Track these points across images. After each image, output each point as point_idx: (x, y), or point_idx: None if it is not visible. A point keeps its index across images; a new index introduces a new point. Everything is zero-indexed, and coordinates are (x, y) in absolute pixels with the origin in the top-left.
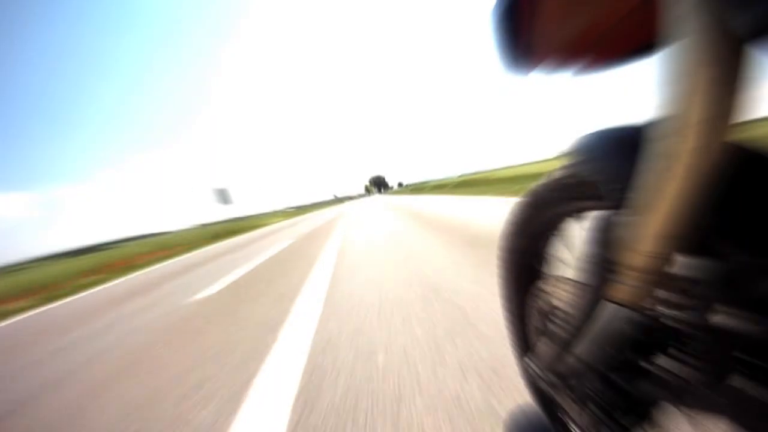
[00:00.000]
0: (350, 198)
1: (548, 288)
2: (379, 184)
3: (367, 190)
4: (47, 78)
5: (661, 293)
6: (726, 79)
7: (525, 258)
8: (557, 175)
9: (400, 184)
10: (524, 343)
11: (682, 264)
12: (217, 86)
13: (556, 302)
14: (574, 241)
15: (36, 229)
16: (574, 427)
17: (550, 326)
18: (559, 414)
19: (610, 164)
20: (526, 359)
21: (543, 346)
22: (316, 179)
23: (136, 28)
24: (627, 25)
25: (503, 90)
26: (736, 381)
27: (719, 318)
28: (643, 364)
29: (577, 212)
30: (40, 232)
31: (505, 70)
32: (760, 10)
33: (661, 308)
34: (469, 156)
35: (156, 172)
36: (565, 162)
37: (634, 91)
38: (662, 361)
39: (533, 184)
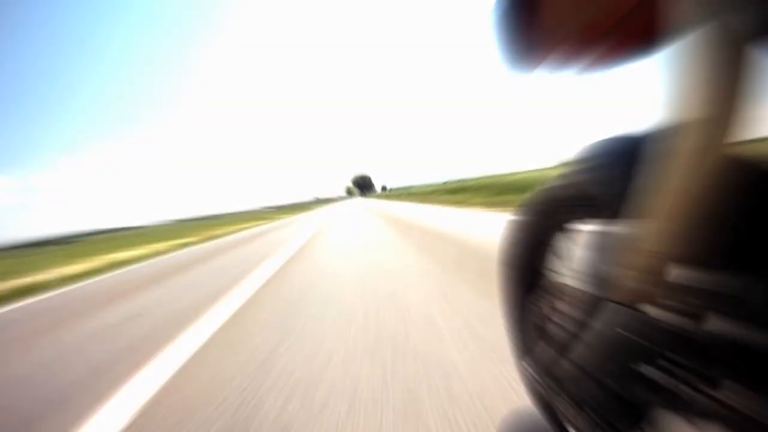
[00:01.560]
0: (330, 200)
1: (547, 293)
2: (362, 186)
3: (349, 192)
4: (17, 60)
5: (658, 301)
6: (726, 79)
7: (525, 263)
8: (558, 182)
9: (383, 188)
10: (523, 347)
11: (679, 272)
12: (193, 76)
13: (554, 307)
14: (574, 249)
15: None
16: (573, 428)
17: (548, 331)
18: (558, 416)
19: (610, 174)
20: (524, 363)
21: (541, 350)
22: (296, 179)
23: (111, 11)
24: (628, 25)
25: (499, 90)
26: (730, 388)
27: (714, 326)
28: (639, 369)
29: (576, 219)
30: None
31: (506, 67)
32: (760, 11)
33: (657, 315)
34: (455, 163)
35: (128, 162)
36: (565, 170)
37: (634, 92)
38: (658, 366)
39: (534, 192)
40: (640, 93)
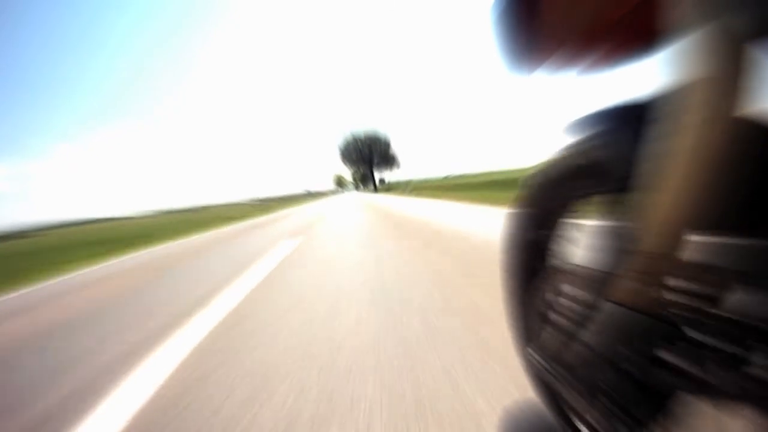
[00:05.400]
0: (322, 194)
1: (553, 276)
2: (367, 163)
3: (339, 183)
4: (14, 48)
5: (676, 278)
6: (727, 79)
7: (529, 246)
8: (562, 155)
9: (381, 181)
10: (527, 333)
11: (693, 247)
12: (187, 68)
13: (562, 291)
14: (581, 227)
15: None
16: (581, 420)
17: (556, 315)
18: (565, 407)
19: (617, 142)
20: (529, 349)
21: (547, 336)
22: (287, 171)
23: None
24: (628, 25)
25: (500, 88)
26: (757, 365)
27: (735, 302)
28: (658, 352)
29: (584, 194)
30: None
31: (506, 69)
32: (760, 11)
33: (675, 294)
34: (458, 156)
35: (116, 150)
36: (569, 142)
37: (634, 91)
38: (678, 349)
39: (537, 170)
40: (641, 93)
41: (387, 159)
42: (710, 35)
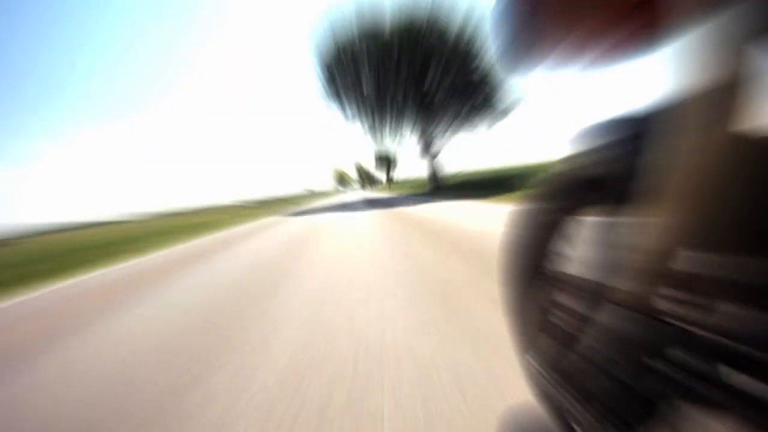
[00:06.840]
0: (326, 194)
1: (551, 284)
2: (403, 89)
3: (341, 182)
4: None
5: (668, 290)
6: (726, 78)
7: (528, 253)
8: (560, 169)
9: (389, 180)
10: (526, 340)
11: (688, 259)
12: (178, 67)
13: (559, 299)
14: (581, 237)
15: None
16: (578, 425)
17: (553, 323)
18: (563, 412)
19: (615, 157)
20: (527, 357)
21: (545, 344)
22: (289, 170)
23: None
24: (628, 23)
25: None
26: (743, 378)
27: (726, 314)
28: (649, 361)
29: (581, 207)
30: None
31: (505, 69)
32: (760, 11)
33: (667, 305)
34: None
35: (109, 153)
36: (568, 155)
37: (634, 91)
38: (668, 358)
39: (537, 178)
40: (641, 91)
41: (475, 87)
42: (711, 34)
